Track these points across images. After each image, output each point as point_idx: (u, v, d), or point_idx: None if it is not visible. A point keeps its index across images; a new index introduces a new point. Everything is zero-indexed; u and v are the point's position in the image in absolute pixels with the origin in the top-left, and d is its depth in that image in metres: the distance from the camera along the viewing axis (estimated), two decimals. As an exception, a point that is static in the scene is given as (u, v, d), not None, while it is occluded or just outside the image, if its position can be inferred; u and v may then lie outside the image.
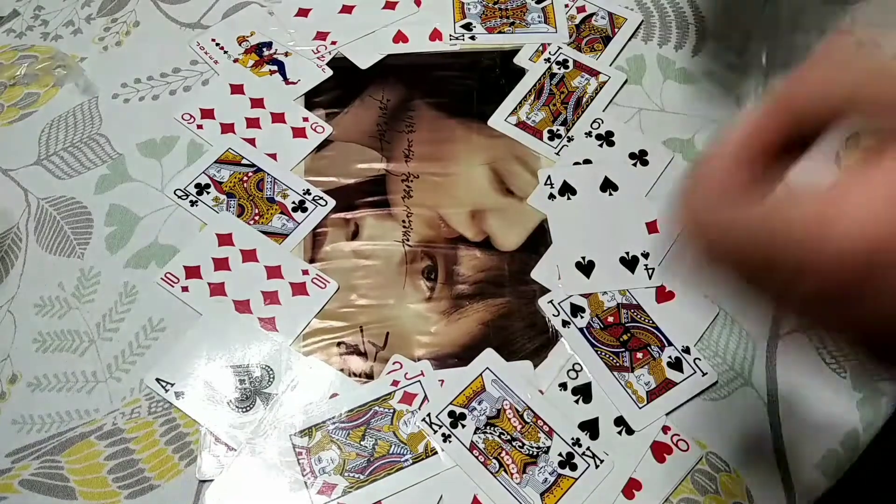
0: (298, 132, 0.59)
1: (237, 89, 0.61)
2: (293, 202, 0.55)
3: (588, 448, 0.45)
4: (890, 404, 0.47)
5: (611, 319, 0.50)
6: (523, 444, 0.45)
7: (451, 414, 0.47)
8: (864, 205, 0.22)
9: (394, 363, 0.49)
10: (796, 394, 0.47)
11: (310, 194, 0.56)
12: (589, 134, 0.57)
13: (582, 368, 0.48)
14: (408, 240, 0.54)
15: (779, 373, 0.48)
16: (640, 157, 0.56)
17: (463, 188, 0.56)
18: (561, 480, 0.44)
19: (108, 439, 0.47)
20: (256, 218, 0.55)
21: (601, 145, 0.57)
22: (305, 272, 0.52)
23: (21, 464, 0.47)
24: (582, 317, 0.50)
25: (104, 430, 0.48)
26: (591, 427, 0.46)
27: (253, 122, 0.59)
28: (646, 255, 0.52)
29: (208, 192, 0.56)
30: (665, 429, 0.46)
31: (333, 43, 0.63)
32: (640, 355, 0.48)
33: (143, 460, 0.47)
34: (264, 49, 0.63)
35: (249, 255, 0.53)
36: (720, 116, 0.58)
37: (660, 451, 0.45)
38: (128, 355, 0.50)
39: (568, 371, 0.48)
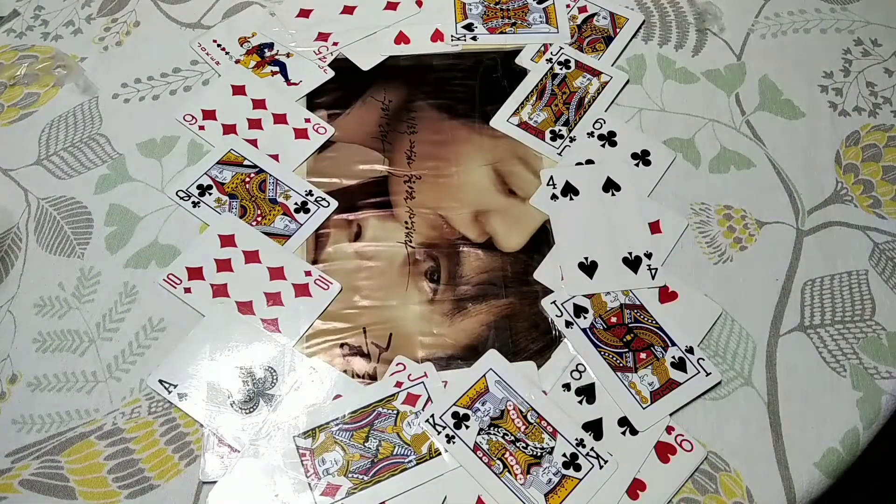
0: (300, 133, 0.59)
1: (239, 90, 0.61)
2: (295, 203, 0.55)
3: (592, 448, 0.45)
4: (890, 403, 0.47)
5: (614, 320, 0.50)
6: (527, 445, 0.46)
7: (455, 415, 0.47)
8: None
9: (397, 364, 0.49)
10: (796, 393, 0.47)
11: (312, 195, 0.56)
12: (591, 134, 0.57)
13: (585, 369, 0.48)
14: (410, 241, 0.54)
15: (779, 373, 0.48)
16: (642, 157, 0.56)
17: (465, 189, 0.56)
18: (565, 481, 0.44)
19: (108, 439, 0.47)
20: (259, 219, 0.54)
21: (603, 145, 0.57)
22: (308, 273, 0.52)
23: (21, 464, 0.47)
24: (585, 317, 0.50)
25: (104, 429, 0.48)
26: (594, 427, 0.46)
27: (255, 123, 0.59)
28: (649, 256, 0.52)
29: (210, 194, 0.56)
30: (669, 429, 0.46)
31: (335, 44, 0.63)
32: (643, 355, 0.48)
33: (143, 460, 0.47)
34: (266, 50, 0.63)
35: (252, 257, 0.53)
36: (720, 116, 0.58)
37: (664, 451, 0.45)
38: (128, 355, 0.50)
39: (571, 372, 0.48)
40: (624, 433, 0.46)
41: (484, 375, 0.48)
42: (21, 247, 0.55)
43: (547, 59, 0.61)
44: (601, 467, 0.45)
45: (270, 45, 0.63)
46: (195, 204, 0.55)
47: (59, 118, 0.61)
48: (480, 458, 0.45)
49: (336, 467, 0.45)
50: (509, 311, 0.51)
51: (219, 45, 0.64)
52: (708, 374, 0.48)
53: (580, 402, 0.47)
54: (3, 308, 0.53)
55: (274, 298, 0.51)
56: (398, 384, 0.48)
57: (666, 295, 0.51)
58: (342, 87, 0.61)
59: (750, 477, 0.45)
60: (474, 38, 0.63)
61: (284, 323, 0.50)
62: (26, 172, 0.58)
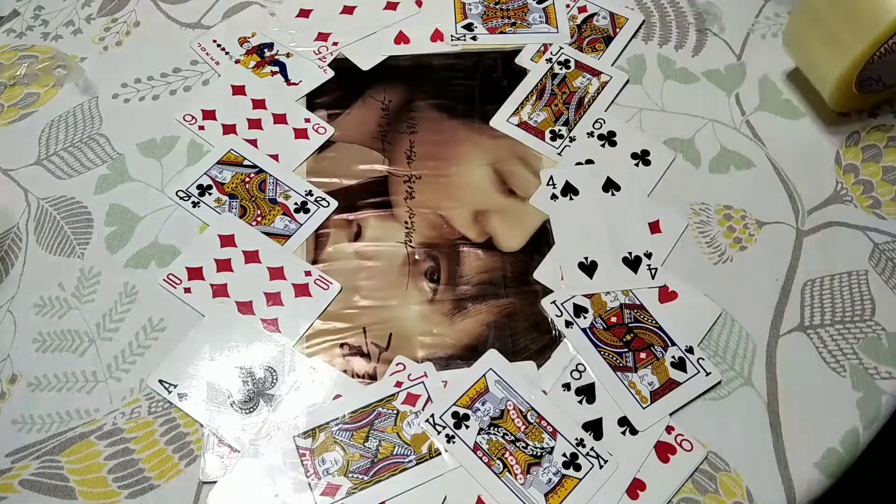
0: (300, 133, 0.59)
1: (238, 90, 0.61)
2: (295, 203, 0.55)
3: (592, 448, 0.45)
4: (890, 403, 0.47)
5: (614, 320, 0.50)
6: (527, 445, 0.46)
7: (455, 415, 0.47)
8: None
9: (397, 364, 0.49)
10: (796, 393, 0.47)
11: (312, 195, 0.56)
12: (591, 134, 0.57)
13: (585, 369, 0.48)
14: (410, 241, 0.54)
15: (779, 372, 0.48)
16: (642, 157, 0.56)
17: (465, 189, 0.56)
18: (565, 481, 0.44)
19: (108, 439, 0.47)
20: (259, 219, 0.54)
21: (603, 145, 0.57)
22: (308, 273, 0.52)
23: (21, 464, 0.47)
24: (585, 317, 0.50)
25: (104, 430, 0.48)
26: (594, 427, 0.46)
27: (255, 123, 0.59)
28: (648, 255, 0.52)
29: (210, 194, 0.56)
30: (669, 429, 0.46)
31: (335, 44, 0.63)
32: (643, 355, 0.48)
33: (143, 460, 0.47)
34: (266, 50, 0.63)
35: (252, 257, 0.53)
36: (720, 116, 0.58)
37: (664, 451, 0.45)
38: (128, 355, 0.50)
39: (571, 371, 0.48)
40: (624, 433, 0.46)
41: (484, 375, 0.48)
42: (21, 247, 0.55)
43: (547, 59, 0.61)
44: (601, 467, 0.45)
45: (270, 45, 0.63)
46: (195, 204, 0.55)
47: (59, 118, 0.61)
48: (480, 458, 0.45)
49: (336, 467, 0.45)
50: (509, 310, 0.51)
51: (219, 45, 0.64)
52: (708, 374, 0.48)
53: (580, 401, 0.47)
54: (3, 308, 0.53)
55: (274, 298, 0.51)
56: (398, 384, 0.48)
57: (666, 295, 0.51)
58: (342, 87, 0.61)
59: (750, 477, 0.45)
60: (474, 38, 0.63)
61: (284, 323, 0.50)
62: (26, 172, 0.59)
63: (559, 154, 0.57)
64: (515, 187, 0.56)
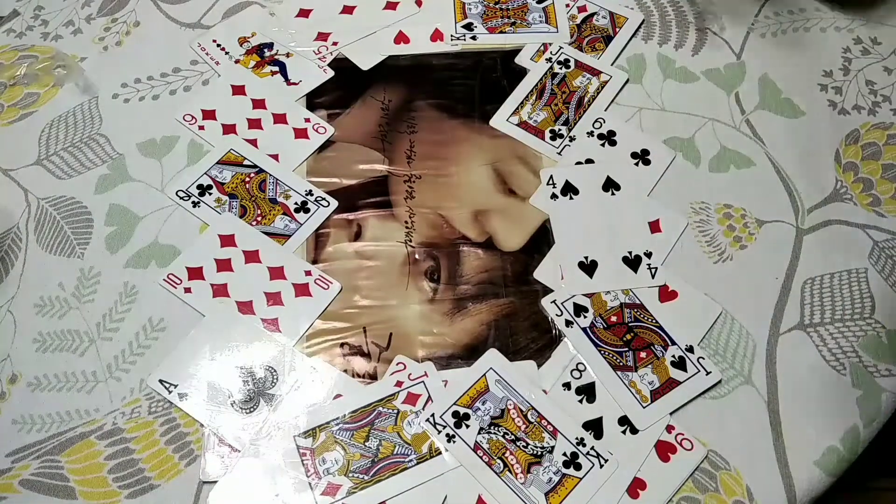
0: (300, 133, 0.59)
1: (238, 90, 0.61)
2: (295, 203, 0.55)
3: (592, 448, 0.45)
4: (890, 401, 0.47)
5: (614, 319, 0.50)
6: (527, 444, 0.46)
7: (455, 414, 0.47)
8: None
9: (397, 364, 0.49)
10: (796, 391, 0.47)
11: (312, 195, 0.56)
12: (591, 133, 0.57)
13: (585, 368, 0.48)
14: (410, 240, 0.54)
15: (779, 371, 0.48)
16: (641, 157, 0.56)
17: (465, 188, 0.56)
18: (565, 480, 0.44)
19: (108, 439, 0.47)
20: (259, 219, 0.54)
21: (603, 145, 0.57)
22: (308, 273, 0.52)
23: (21, 464, 0.47)
24: (585, 316, 0.50)
25: (104, 429, 0.48)
26: (595, 427, 0.46)
27: (255, 123, 0.59)
28: (648, 255, 0.52)
29: (210, 194, 0.56)
30: (669, 428, 0.46)
31: (335, 44, 0.63)
32: (643, 355, 0.48)
33: (144, 460, 0.47)
34: (265, 50, 0.63)
35: (252, 256, 0.53)
36: (720, 115, 0.58)
37: (664, 450, 0.45)
38: (128, 355, 0.50)
39: (571, 371, 0.48)
40: (624, 432, 0.46)
41: (484, 375, 0.48)
42: (21, 247, 0.55)
43: (546, 59, 0.61)
44: (601, 466, 0.45)
45: (270, 45, 0.63)
46: (195, 204, 0.55)
47: (59, 118, 0.61)
48: (481, 458, 0.45)
49: (336, 467, 0.45)
50: (509, 310, 0.51)
51: (219, 45, 0.64)
52: (708, 373, 0.48)
53: (580, 401, 0.47)
54: (3, 308, 0.53)
55: (274, 298, 0.51)
56: (398, 384, 0.48)
57: (666, 294, 0.51)
58: (342, 87, 0.61)
59: (750, 475, 0.45)
60: (474, 38, 0.63)
61: (284, 322, 0.50)
62: (26, 172, 0.59)
63: (559, 153, 0.57)
64: (515, 187, 0.56)
